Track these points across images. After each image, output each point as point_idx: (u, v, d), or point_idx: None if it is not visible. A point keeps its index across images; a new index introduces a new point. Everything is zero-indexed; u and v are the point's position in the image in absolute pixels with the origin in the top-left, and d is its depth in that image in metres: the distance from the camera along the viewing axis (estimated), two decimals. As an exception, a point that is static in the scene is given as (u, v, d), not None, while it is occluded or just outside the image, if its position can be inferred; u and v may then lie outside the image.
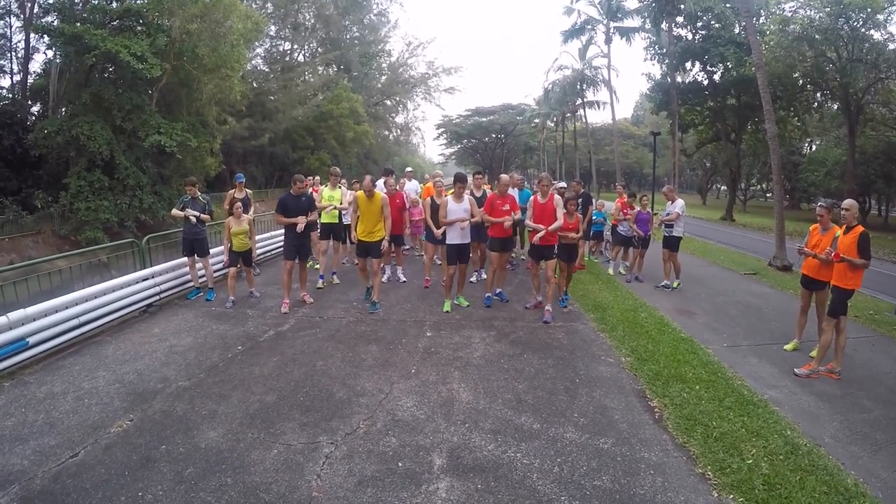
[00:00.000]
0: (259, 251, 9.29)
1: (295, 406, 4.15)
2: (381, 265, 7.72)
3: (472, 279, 8.53)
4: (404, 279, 8.70)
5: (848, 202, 5.14)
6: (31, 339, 5.07)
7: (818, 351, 5.15)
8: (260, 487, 3.11)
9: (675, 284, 8.79)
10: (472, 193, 8.67)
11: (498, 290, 7.53)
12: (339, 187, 8.47)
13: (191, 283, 7.70)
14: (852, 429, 4.07)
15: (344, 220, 8.71)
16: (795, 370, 5.12)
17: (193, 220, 7.30)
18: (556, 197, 6.66)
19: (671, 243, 8.65)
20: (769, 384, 4.86)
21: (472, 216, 6.84)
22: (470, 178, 9.63)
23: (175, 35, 19.12)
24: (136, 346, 5.60)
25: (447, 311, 6.84)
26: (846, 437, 3.93)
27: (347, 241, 9.22)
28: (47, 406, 4.18)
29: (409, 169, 12.01)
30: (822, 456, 3.58)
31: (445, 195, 7.68)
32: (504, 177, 7.34)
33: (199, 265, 7.70)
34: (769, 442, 3.71)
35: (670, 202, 8.75)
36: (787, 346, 5.83)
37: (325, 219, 8.20)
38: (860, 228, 4.92)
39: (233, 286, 7.25)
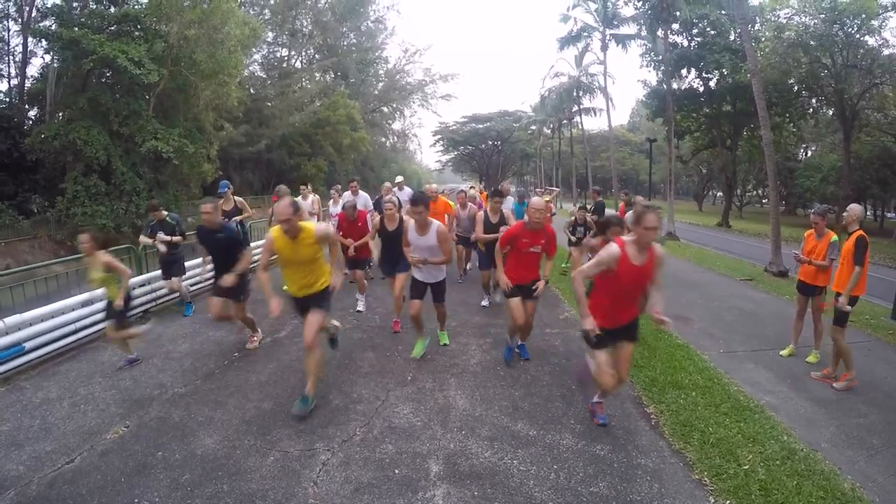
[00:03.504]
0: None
1: (291, 413, 4.15)
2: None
3: (483, 303, 7.51)
4: (362, 308, 7.13)
5: (849, 207, 5.17)
6: (28, 345, 5.07)
7: (841, 360, 5.04)
8: (256, 494, 3.11)
9: None
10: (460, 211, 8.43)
11: (520, 343, 5.45)
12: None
13: (195, 290, 7.70)
14: (848, 433, 4.08)
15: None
16: (834, 384, 5.02)
17: (163, 248, 6.71)
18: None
19: None
20: (765, 390, 4.87)
21: (443, 255, 4.94)
22: (475, 191, 9.41)
23: (173, 41, 19.17)
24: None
25: (416, 357, 5.32)
26: (842, 442, 3.95)
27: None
28: (43, 411, 4.16)
29: (399, 178, 10.94)
30: (818, 461, 3.58)
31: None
32: (537, 200, 4.81)
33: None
34: (766, 447, 3.71)
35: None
36: (783, 352, 5.84)
37: None
38: (858, 232, 4.93)
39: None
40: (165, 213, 6.94)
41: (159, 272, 7.36)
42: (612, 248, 3.51)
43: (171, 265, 6.94)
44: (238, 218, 7.60)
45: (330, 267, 4.41)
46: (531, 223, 4.67)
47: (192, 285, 7.69)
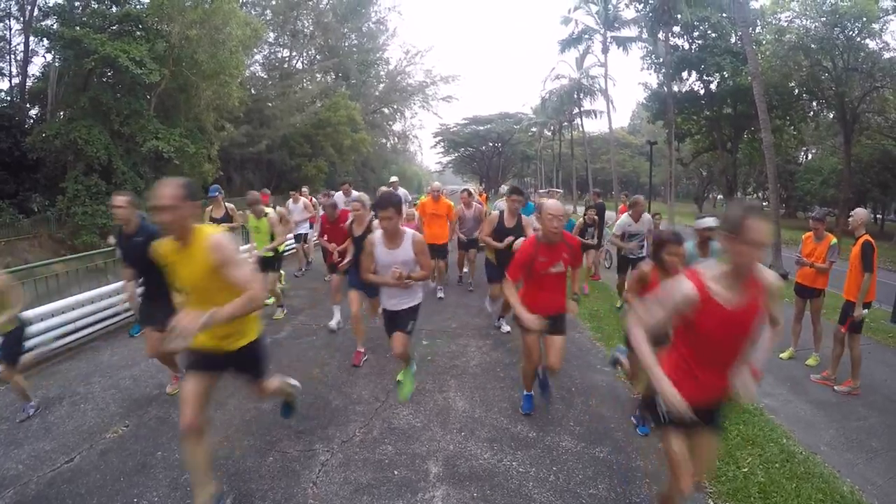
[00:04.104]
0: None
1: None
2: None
3: (487, 306, 6.70)
4: (335, 326, 6.34)
5: (854, 211, 5.18)
6: (28, 344, 5.05)
7: (851, 368, 5.03)
8: (256, 494, 3.11)
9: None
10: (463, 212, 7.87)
11: (543, 381, 4.32)
12: (265, 216, 6.59)
13: None
14: (848, 436, 4.09)
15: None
16: (836, 387, 5.02)
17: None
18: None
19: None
20: (765, 392, 4.87)
21: (421, 270, 3.90)
22: (473, 188, 8.90)
23: (174, 40, 19.16)
24: (132, 351, 5.58)
25: (404, 400, 4.32)
26: (842, 445, 3.95)
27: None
28: (43, 411, 4.16)
29: (394, 178, 10.71)
30: (817, 463, 3.59)
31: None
32: (553, 204, 3.77)
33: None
34: (765, 450, 3.72)
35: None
36: (783, 355, 5.85)
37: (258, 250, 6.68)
38: (864, 237, 4.92)
39: None
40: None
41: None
42: (683, 285, 2.19)
43: None
44: (225, 226, 6.66)
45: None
46: (547, 235, 3.66)
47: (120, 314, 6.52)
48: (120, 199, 4.09)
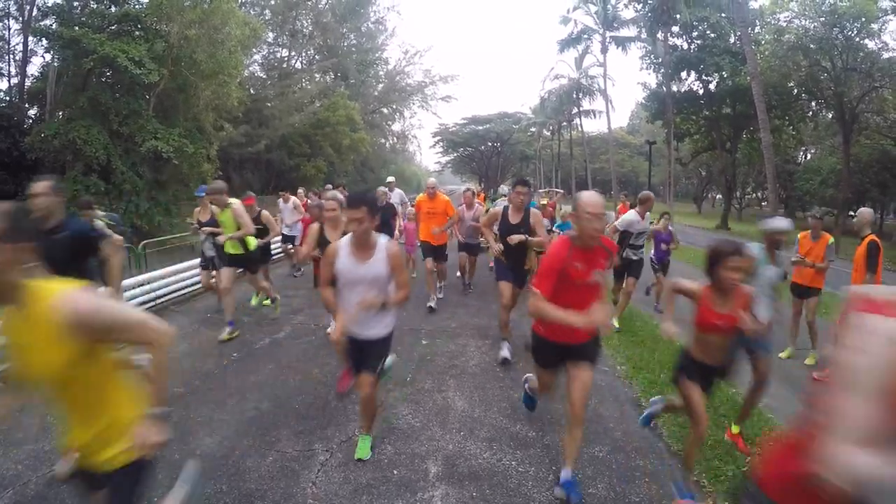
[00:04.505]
0: None
1: (290, 413, 4.14)
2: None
3: (504, 353, 5.44)
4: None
5: (859, 211, 5.21)
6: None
7: None
8: (255, 495, 3.11)
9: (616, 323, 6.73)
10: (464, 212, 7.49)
11: (568, 480, 3.07)
12: (229, 207, 5.90)
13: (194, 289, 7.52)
14: (846, 437, 4.08)
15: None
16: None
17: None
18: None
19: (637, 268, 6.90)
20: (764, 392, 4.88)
21: (398, 291, 3.18)
22: (472, 188, 8.13)
23: (173, 40, 19.13)
24: (130, 351, 5.57)
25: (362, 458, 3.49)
26: (840, 446, 3.95)
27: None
28: (42, 410, 4.15)
29: (390, 179, 10.20)
30: (816, 464, 3.58)
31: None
32: (590, 197, 2.94)
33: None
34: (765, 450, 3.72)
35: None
36: (782, 354, 5.86)
37: (227, 248, 6.11)
38: (869, 237, 4.92)
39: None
40: (102, 212, 5.69)
41: (159, 272, 7.36)
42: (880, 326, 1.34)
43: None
44: (208, 230, 6.31)
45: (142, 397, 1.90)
46: (585, 238, 2.91)
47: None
48: (40, 186, 3.35)
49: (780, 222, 3.88)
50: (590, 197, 2.89)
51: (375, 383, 3.35)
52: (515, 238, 5.03)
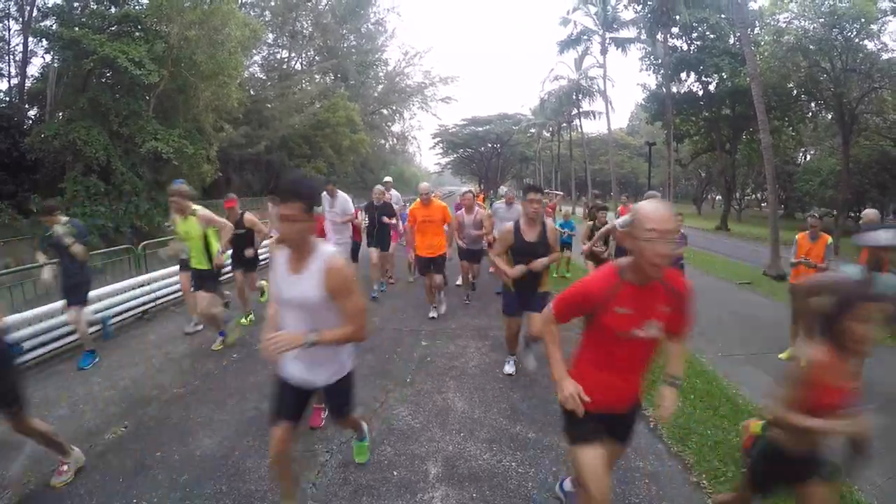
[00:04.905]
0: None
1: (290, 413, 4.13)
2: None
3: (507, 369, 5.07)
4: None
5: (865, 212, 5.22)
6: (26, 344, 5.06)
7: None
8: (255, 495, 3.10)
9: None
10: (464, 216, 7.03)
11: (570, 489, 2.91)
12: (193, 214, 5.30)
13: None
14: (846, 438, 4.08)
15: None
16: None
17: (47, 275, 5.13)
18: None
19: None
20: (764, 392, 4.88)
21: (349, 325, 2.32)
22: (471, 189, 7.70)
23: (173, 41, 19.18)
24: (131, 352, 5.59)
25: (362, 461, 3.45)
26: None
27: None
28: (41, 411, 4.14)
29: (387, 179, 9.72)
30: (815, 465, 3.58)
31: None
32: (656, 211, 1.95)
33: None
34: (763, 451, 3.71)
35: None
36: (782, 355, 5.85)
37: (193, 264, 5.53)
38: None
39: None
40: (65, 217, 5.17)
41: (159, 272, 7.35)
42: None
43: (70, 290, 5.09)
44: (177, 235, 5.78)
45: None
46: (644, 264, 1.98)
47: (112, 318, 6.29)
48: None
49: (888, 236, 2.97)
50: (656, 209, 1.96)
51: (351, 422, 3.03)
52: (539, 264, 4.23)
